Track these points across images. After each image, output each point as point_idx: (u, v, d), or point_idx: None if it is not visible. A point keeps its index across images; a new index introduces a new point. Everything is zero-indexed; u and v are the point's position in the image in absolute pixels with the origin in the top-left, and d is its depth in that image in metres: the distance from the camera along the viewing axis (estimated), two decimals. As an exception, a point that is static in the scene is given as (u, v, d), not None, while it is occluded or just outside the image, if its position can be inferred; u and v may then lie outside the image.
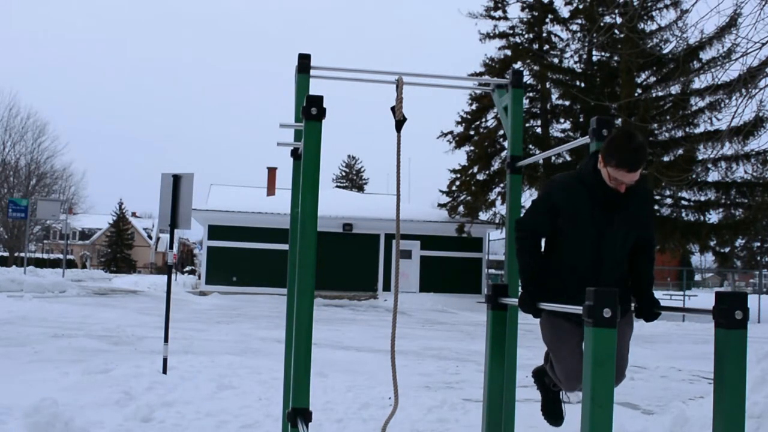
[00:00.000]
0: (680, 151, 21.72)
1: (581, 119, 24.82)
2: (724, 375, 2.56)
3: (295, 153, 4.07)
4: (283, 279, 6.67)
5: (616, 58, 23.57)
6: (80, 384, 6.83)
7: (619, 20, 14.68)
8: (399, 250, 3.95)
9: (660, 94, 22.38)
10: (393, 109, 3.92)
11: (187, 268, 59.70)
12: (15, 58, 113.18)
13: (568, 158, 25.20)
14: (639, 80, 23.98)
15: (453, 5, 31.33)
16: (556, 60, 26.03)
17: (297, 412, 3.19)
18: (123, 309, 18.24)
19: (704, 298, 23.66)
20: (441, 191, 29.86)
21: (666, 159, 22.63)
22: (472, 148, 27.60)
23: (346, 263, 28.63)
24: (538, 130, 26.29)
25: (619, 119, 20.64)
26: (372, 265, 29.64)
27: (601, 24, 14.68)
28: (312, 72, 4.11)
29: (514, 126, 4.26)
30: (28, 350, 9.85)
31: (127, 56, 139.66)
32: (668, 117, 22.44)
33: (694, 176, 17.61)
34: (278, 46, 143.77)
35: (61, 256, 47.89)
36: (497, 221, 27.98)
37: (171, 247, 8.54)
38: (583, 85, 25.10)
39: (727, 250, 24.34)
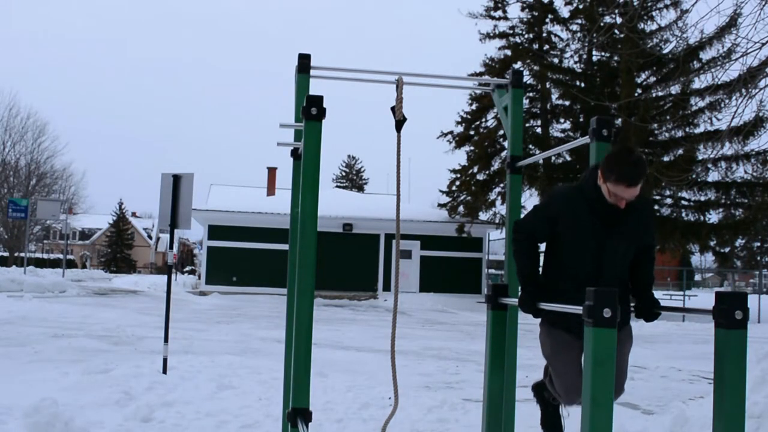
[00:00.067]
0: (680, 151, 21.71)
1: (581, 119, 24.82)
2: (724, 375, 2.56)
3: (295, 153, 4.07)
4: (283, 279, 6.67)
5: (616, 58, 23.56)
6: (80, 384, 6.83)
7: (619, 20, 14.68)
8: (399, 250, 3.95)
9: (660, 94, 22.38)
10: (393, 109, 3.92)
11: (187, 268, 59.70)
12: (15, 58, 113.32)
13: (568, 158, 25.21)
14: (639, 80, 23.97)
15: (453, 5, 31.35)
16: (556, 60, 26.03)
17: (297, 412, 3.19)
18: (123, 309, 18.24)
19: (704, 298, 23.67)
20: (441, 191, 29.89)
21: (666, 159, 22.63)
22: (472, 148, 27.59)
23: (346, 263, 28.63)
24: (538, 130, 26.29)
25: (619, 119, 20.67)
26: (372, 265, 29.64)
27: (601, 24, 14.68)
28: (312, 72, 4.11)
29: (514, 126, 4.26)
30: (28, 350, 9.85)
31: (127, 56, 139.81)
32: (668, 117, 22.44)
33: (694, 176, 17.61)
34: (278, 46, 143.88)
35: (61, 256, 47.89)
36: (497, 221, 27.98)
37: (171, 247, 8.54)
38: (583, 85, 25.10)
39: (727, 250, 24.33)
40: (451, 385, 8.50)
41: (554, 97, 26.32)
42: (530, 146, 24.81)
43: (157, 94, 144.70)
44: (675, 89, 20.91)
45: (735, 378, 2.56)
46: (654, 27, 22.89)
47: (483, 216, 28.35)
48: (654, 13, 22.84)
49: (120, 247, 74.07)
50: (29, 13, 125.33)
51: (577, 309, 2.52)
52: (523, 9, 26.94)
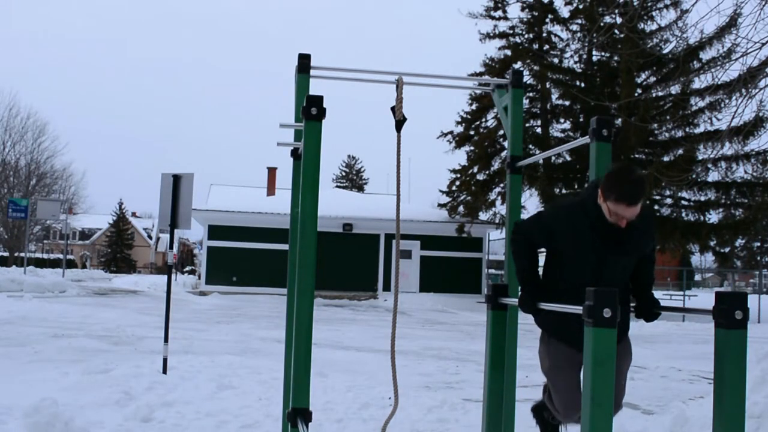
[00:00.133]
0: (680, 151, 21.71)
1: (581, 119, 24.82)
2: (724, 375, 2.56)
3: (295, 153, 4.07)
4: (283, 279, 6.67)
5: (616, 58, 23.56)
6: (80, 384, 6.83)
7: (619, 20, 14.68)
8: (399, 250, 3.95)
9: (660, 94, 22.37)
10: (393, 109, 3.92)
11: (187, 268, 59.70)
12: (15, 58, 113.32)
13: (568, 158, 25.21)
14: (639, 80, 23.97)
15: (453, 5, 31.35)
16: (556, 60, 26.03)
17: (297, 412, 3.19)
18: (123, 309, 18.24)
19: (704, 298, 23.66)
20: (441, 191, 29.89)
21: (666, 159, 22.64)
22: (472, 148, 27.59)
23: (346, 263, 28.63)
24: (538, 130, 26.29)
25: (619, 119, 20.67)
26: (372, 265, 29.64)
27: (601, 24, 14.68)
28: (312, 72, 4.11)
29: (514, 126, 4.26)
30: (28, 350, 9.85)
31: (127, 56, 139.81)
32: (668, 117, 22.44)
33: (694, 176, 17.60)
34: (278, 46, 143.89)
35: (61, 256, 47.90)
36: (497, 221, 27.98)
37: (171, 247, 8.54)
38: (583, 85, 25.10)
39: (727, 250, 24.34)
40: (451, 385, 8.50)
41: (554, 97, 26.33)
42: (530, 146, 24.81)
43: (157, 94, 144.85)
44: (675, 89, 20.90)
45: (735, 378, 2.56)
46: (654, 27, 22.90)
47: (483, 216, 28.35)
48: (654, 13, 22.84)
49: (120, 247, 74.08)
50: (29, 13, 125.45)
51: (577, 309, 2.52)
52: (523, 9, 26.95)
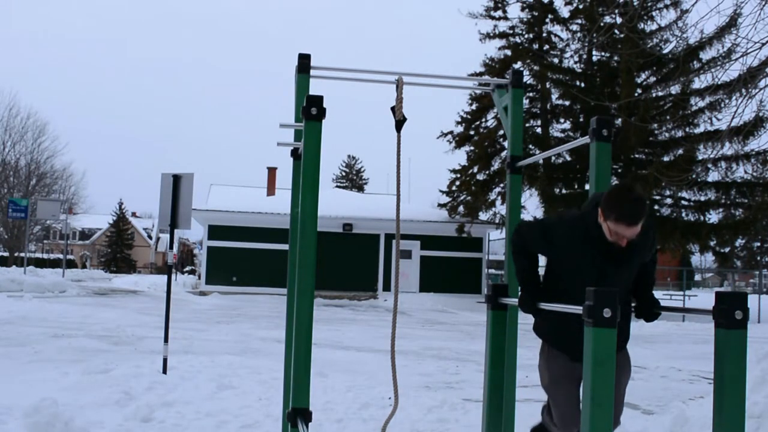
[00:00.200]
0: (680, 151, 21.71)
1: (581, 119, 24.81)
2: (724, 375, 2.56)
3: (295, 153, 4.07)
4: (283, 279, 6.67)
5: (616, 58, 23.56)
6: (80, 384, 6.83)
7: (619, 20, 14.68)
8: (399, 250, 3.95)
9: (660, 94, 22.37)
10: (393, 109, 3.92)
11: (187, 268, 59.71)
12: (15, 58, 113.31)
13: (568, 158, 25.21)
14: (639, 80, 23.97)
15: (453, 5, 31.35)
16: (556, 60, 26.02)
17: (297, 412, 3.19)
18: (123, 309, 18.24)
19: (704, 298, 23.66)
20: (441, 191, 29.88)
21: (666, 159, 22.64)
22: (472, 148, 27.59)
23: (346, 263, 28.63)
24: (538, 130, 26.28)
25: (619, 119, 20.67)
26: (372, 265, 29.64)
27: (601, 24, 14.68)
28: (312, 72, 4.11)
29: (514, 126, 4.26)
30: (28, 350, 9.85)
31: (127, 56, 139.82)
32: (668, 117, 22.44)
33: (694, 176, 17.59)
34: (278, 46, 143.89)
35: (61, 256, 47.90)
36: (497, 221, 27.97)
37: (171, 247, 8.54)
38: (583, 85, 25.09)
39: (727, 250, 24.33)
40: (451, 385, 8.50)
41: (554, 97, 26.32)
42: (530, 146, 24.81)
43: (157, 94, 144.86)
44: (675, 89, 20.90)
45: (735, 378, 2.56)
46: (654, 27, 22.90)
47: (483, 216, 28.35)
48: (654, 13, 22.84)
49: (120, 247, 74.08)
50: (29, 13, 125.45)
51: (577, 309, 2.52)
52: (523, 9, 26.94)
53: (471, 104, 27.70)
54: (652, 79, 24.17)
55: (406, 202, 32.99)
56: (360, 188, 70.32)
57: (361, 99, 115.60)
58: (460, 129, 28.01)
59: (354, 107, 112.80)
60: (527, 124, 25.60)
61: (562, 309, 2.92)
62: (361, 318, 19.70)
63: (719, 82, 9.05)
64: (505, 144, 9.67)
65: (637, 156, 24.31)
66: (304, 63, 4.08)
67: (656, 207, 24.29)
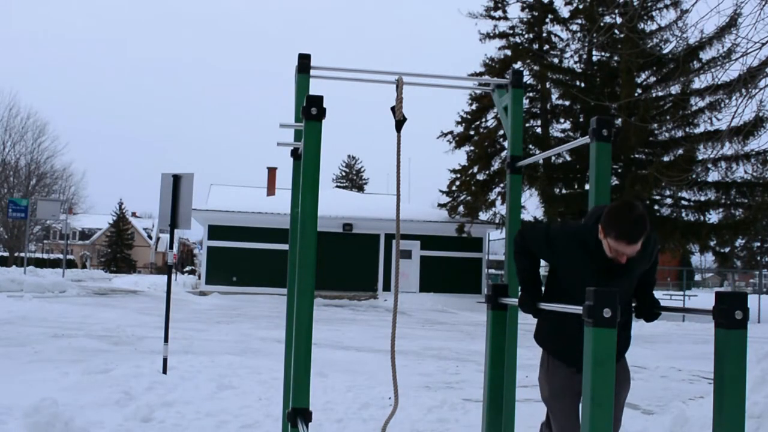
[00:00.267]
0: (680, 151, 21.71)
1: (581, 119, 24.82)
2: (724, 375, 2.56)
3: (295, 153, 4.07)
4: (283, 279, 6.67)
5: (616, 58, 23.56)
6: (80, 384, 6.83)
7: (619, 20, 14.68)
8: (399, 250, 3.95)
9: (660, 94, 22.37)
10: (393, 109, 3.92)
11: (187, 268, 59.70)
12: (15, 58, 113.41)
13: (568, 158, 25.21)
14: (639, 80, 23.97)
15: (453, 5, 31.35)
16: (556, 60, 26.02)
17: (297, 412, 3.19)
18: (123, 309, 18.24)
19: (704, 298, 23.67)
20: (441, 191, 29.88)
21: (666, 159, 22.64)
22: (472, 148, 27.59)
23: (346, 263, 28.63)
24: (538, 130, 26.28)
25: (619, 119, 20.67)
26: (372, 265, 29.64)
27: (601, 24, 14.68)
28: (312, 72, 4.10)
29: (514, 126, 4.26)
30: (28, 350, 9.85)
31: (127, 56, 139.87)
32: (668, 117, 22.44)
33: (694, 176, 17.59)
34: (278, 46, 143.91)
35: (61, 256, 47.90)
36: (497, 221, 27.97)
37: (171, 247, 8.54)
38: (583, 85, 25.09)
39: (727, 250, 24.33)
40: (451, 385, 8.50)
41: (554, 97, 26.32)
42: (530, 146, 24.81)
43: (157, 94, 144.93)
44: (675, 89, 20.91)
45: (735, 378, 2.56)
46: (654, 27, 22.90)
47: (483, 216, 28.34)
48: (654, 13, 22.84)
49: (120, 247, 74.07)
50: (29, 13, 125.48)
51: (577, 309, 2.52)
52: (523, 9, 26.95)
53: (471, 104, 27.70)
54: (652, 79, 24.18)
55: (406, 202, 33.00)
56: (360, 188, 70.33)
57: (361, 99, 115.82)
58: (460, 129, 28.01)
59: (354, 107, 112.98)
60: (527, 124, 25.60)
61: (562, 309, 2.92)
62: (361, 318, 19.70)
63: (719, 82, 9.05)
64: (505, 144, 9.67)
65: (637, 156, 24.31)
66: (304, 63, 4.08)
67: (656, 207, 24.30)
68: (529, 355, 8.45)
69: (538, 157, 13.41)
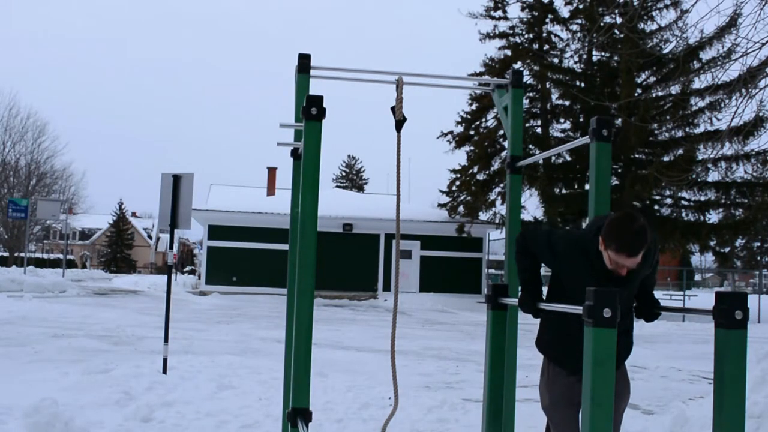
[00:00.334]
0: (680, 151, 21.71)
1: (581, 119, 24.81)
2: (724, 375, 2.56)
3: (295, 153, 4.07)
4: (283, 279, 6.67)
5: (616, 58, 23.55)
6: (80, 384, 6.83)
7: (619, 20, 14.68)
8: (399, 250, 3.95)
9: (660, 94, 22.37)
10: (393, 109, 3.92)
11: (187, 268, 59.70)
12: (15, 58, 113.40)
13: (568, 158, 25.21)
14: (639, 80, 23.96)
15: (453, 5, 31.35)
16: (556, 60, 26.02)
17: (297, 412, 3.19)
18: (123, 309, 18.24)
19: (704, 298, 23.66)
20: (441, 191, 29.87)
21: (666, 159, 22.64)
22: (472, 148, 27.58)
23: (346, 263, 28.63)
24: (538, 130, 26.28)
25: (619, 119, 20.67)
26: (372, 265, 29.64)
27: (601, 24, 14.69)
28: (312, 72, 4.10)
29: (514, 126, 4.26)
30: (28, 350, 9.85)
31: (127, 56, 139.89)
32: (668, 117, 22.44)
33: (694, 176, 17.59)
34: (278, 46, 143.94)
35: (61, 256, 47.89)
36: (497, 221, 27.96)
37: (171, 247, 8.54)
38: (583, 85, 25.09)
39: (727, 250, 24.33)
40: (451, 385, 8.50)
41: (554, 97, 26.32)
42: (530, 146, 24.81)
43: (157, 94, 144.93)
44: (675, 89, 20.90)
45: (735, 378, 2.56)
46: (654, 27, 22.90)
47: (483, 216, 28.34)
48: (654, 13, 22.83)
49: (120, 247, 74.06)
50: (29, 13, 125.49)
51: (577, 309, 2.52)
52: (523, 9, 26.94)
53: (471, 104, 27.70)
54: (652, 79, 24.17)
55: (406, 202, 33.00)
56: (360, 188, 70.33)
57: (361, 99, 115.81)
58: (460, 129, 28.01)
59: (354, 107, 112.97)
60: (527, 124, 25.59)
61: (562, 309, 2.92)
62: (361, 318, 19.70)
63: (719, 82, 9.06)
64: (505, 144, 9.67)
65: (637, 156, 24.31)
66: (304, 63, 4.08)
67: (656, 207, 24.30)
68: (529, 355, 8.45)
69: (538, 157, 13.43)
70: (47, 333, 11.89)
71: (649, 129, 21.80)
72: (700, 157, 20.48)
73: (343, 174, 77.10)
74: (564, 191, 25.36)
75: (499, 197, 26.91)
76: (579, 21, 25.85)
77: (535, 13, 26.69)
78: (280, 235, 27.23)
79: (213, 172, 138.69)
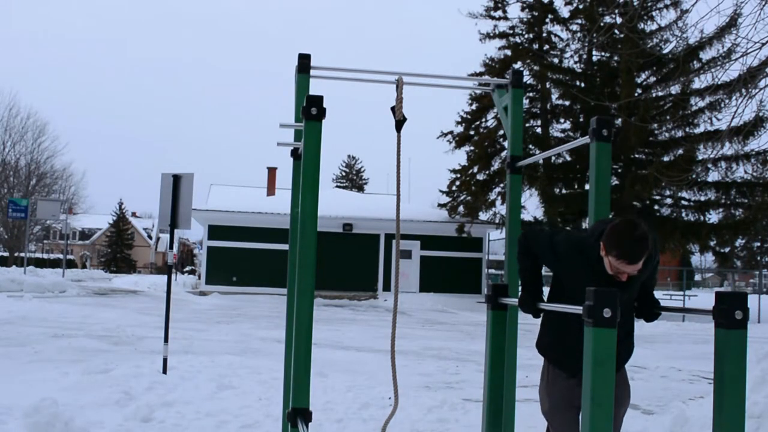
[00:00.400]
0: (680, 151, 21.71)
1: (581, 119, 24.81)
2: (724, 375, 2.56)
3: (295, 153, 4.07)
4: (283, 279, 6.67)
5: (616, 58, 23.56)
6: (80, 384, 6.83)
7: (619, 20, 14.68)
8: (399, 250, 3.95)
9: (660, 94, 22.37)
10: (393, 109, 3.92)
11: (187, 268, 59.70)
12: (15, 58, 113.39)
13: (568, 158, 25.21)
14: (639, 80, 23.97)
15: (453, 5, 31.35)
16: (556, 60, 26.02)
17: (297, 412, 3.19)
18: (123, 309, 18.24)
19: (704, 298, 23.66)
20: (441, 191, 29.87)
21: (666, 159, 22.64)
22: (472, 148, 27.59)
23: (346, 263, 28.62)
24: (538, 130, 26.28)
25: (619, 119, 20.67)
26: (372, 265, 29.64)
27: (601, 24, 14.69)
28: (312, 72, 4.10)
29: (514, 126, 4.26)
30: (28, 350, 9.85)
31: (127, 56, 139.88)
32: (668, 117, 22.44)
33: (694, 176, 17.59)
34: (278, 46, 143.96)
35: (61, 256, 47.89)
36: (497, 221, 27.96)
37: (171, 247, 8.54)
38: (583, 85, 25.09)
39: (727, 250, 24.33)
40: (451, 385, 8.50)
41: (554, 97, 26.32)
42: (530, 146, 24.81)
43: (157, 94, 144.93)
44: (675, 89, 20.90)
45: (735, 378, 2.56)
46: (654, 27, 22.91)
47: (483, 216, 28.34)
48: (654, 13, 22.84)
49: (120, 247, 74.06)
50: (29, 13, 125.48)
51: (577, 309, 2.52)
52: (523, 9, 26.94)
53: (471, 104, 27.70)
54: (652, 79, 24.17)
55: (406, 202, 33.00)
56: (360, 188, 70.33)
57: (361, 99, 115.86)
58: (460, 129, 28.01)
59: (354, 107, 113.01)
60: (527, 124, 25.59)
61: (562, 309, 2.92)
62: (361, 318, 19.70)
63: (719, 82, 9.06)
64: (505, 144, 9.67)
65: (637, 156, 24.31)
66: (304, 63, 4.08)
67: (656, 207, 24.30)
68: (529, 355, 8.46)
69: (538, 157, 13.43)
70: (47, 333, 11.89)
71: (649, 129, 21.80)
72: (700, 157, 20.49)
73: (343, 174, 77.10)
74: (564, 191, 25.35)
75: (499, 197, 26.91)
76: (579, 21, 25.85)
77: (535, 13, 26.69)
78: (280, 235, 27.23)
79: (213, 172, 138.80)
